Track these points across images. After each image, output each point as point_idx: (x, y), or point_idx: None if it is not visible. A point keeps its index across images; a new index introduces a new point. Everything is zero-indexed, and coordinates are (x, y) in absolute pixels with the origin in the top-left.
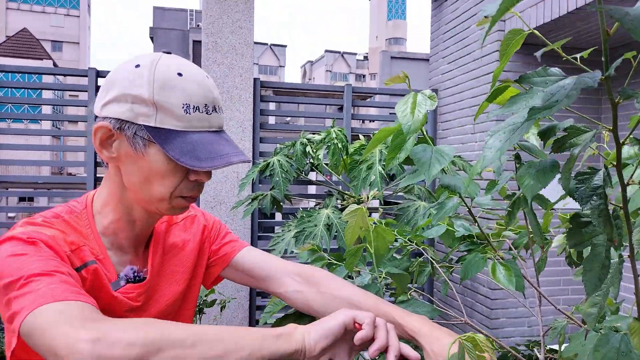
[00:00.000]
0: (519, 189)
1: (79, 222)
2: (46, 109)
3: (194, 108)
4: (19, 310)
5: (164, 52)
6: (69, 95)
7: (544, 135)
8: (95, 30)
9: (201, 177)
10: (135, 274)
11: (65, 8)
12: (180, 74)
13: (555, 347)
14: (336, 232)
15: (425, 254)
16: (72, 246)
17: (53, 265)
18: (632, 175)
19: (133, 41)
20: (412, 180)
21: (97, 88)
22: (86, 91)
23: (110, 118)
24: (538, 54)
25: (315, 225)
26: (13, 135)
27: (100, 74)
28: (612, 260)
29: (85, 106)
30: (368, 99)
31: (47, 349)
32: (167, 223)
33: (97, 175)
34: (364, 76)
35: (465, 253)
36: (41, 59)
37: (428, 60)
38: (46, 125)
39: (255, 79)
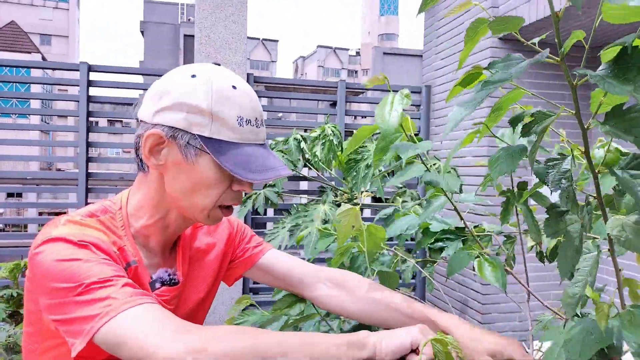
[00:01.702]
0: (512, 186)
1: (114, 223)
2: (35, 104)
3: (246, 121)
4: (87, 317)
5: (214, 63)
6: (58, 89)
7: (513, 122)
8: (85, 23)
9: (245, 188)
10: (170, 277)
11: (54, 1)
12: (234, 87)
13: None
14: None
15: (400, 254)
16: (116, 246)
17: (111, 270)
18: (602, 162)
19: (124, 34)
20: (403, 178)
21: (89, 82)
22: (77, 85)
23: (164, 126)
24: (535, 40)
25: (312, 220)
26: (1, 130)
27: (92, 68)
28: (591, 253)
29: (77, 101)
30: (361, 95)
31: (137, 358)
32: (193, 226)
33: (89, 171)
34: (356, 72)
35: (440, 244)
36: (29, 53)
37: (420, 56)
38: (35, 119)
39: (248, 74)
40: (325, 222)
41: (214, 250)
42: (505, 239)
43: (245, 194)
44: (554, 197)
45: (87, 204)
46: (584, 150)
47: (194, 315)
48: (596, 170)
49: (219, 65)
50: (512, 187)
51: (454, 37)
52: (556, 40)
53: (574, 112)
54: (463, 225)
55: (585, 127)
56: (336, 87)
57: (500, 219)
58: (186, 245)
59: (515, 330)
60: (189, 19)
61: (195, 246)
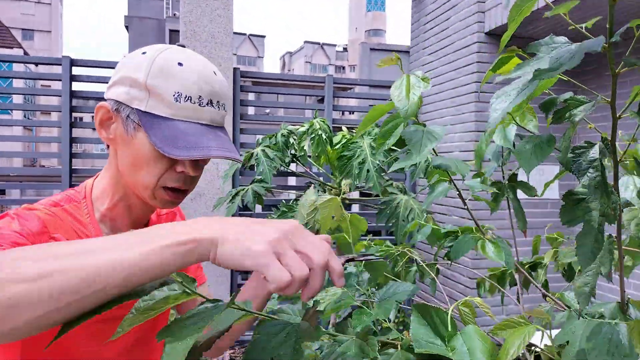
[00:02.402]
0: (503, 178)
1: (78, 211)
2: (17, 99)
3: (185, 97)
4: None
5: (179, 44)
6: (41, 85)
7: (545, 107)
8: (69, 18)
9: (187, 170)
10: None
11: None
12: (180, 64)
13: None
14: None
15: (411, 254)
16: (79, 235)
17: (13, 238)
18: (625, 152)
19: (108, 30)
20: (404, 163)
21: (72, 77)
22: (60, 80)
23: (111, 100)
24: (548, 14)
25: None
26: None
27: (74, 63)
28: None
29: (59, 95)
30: (349, 90)
31: None
32: (156, 213)
33: (73, 167)
34: (343, 68)
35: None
36: (11, 48)
37: (408, 52)
38: (17, 115)
39: (235, 69)
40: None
41: None
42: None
43: (236, 193)
44: (555, 192)
45: None
46: (610, 138)
47: None
48: (618, 159)
49: (184, 47)
50: (503, 179)
51: (441, 33)
52: (608, 26)
53: (609, 100)
54: (471, 220)
55: (618, 115)
56: (324, 82)
57: (490, 207)
58: None
59: None
60: (174, 14)
61: None
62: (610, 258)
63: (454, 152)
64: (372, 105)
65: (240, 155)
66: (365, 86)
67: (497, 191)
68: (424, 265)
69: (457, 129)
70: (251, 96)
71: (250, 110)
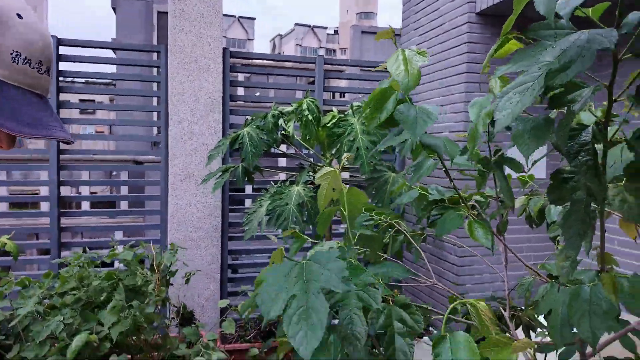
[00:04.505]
0: (490, 155)
1: None
2: None
3: (25, 60)
4: None
5: None
6: None
7: (543, 91)
8: (53, 2)
9: (1, 145)
10: None
11: None
12: (20, 16)
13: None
14: (307, 212)
15: (398, 227)
16: None
17: None
18: (615, 132)
19: (94, 10)
20: (394, 142)
21: (58, 56)
22: None
23: None
24: None
25: (287, 204)
26: None
27: (61, 42)
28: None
29: None
30: (341, 72)
31: None
32: None
33: (61, 148)
34: (334, 51)
35: (438, 216)
36: None
37: (399, 35)
38: None
39: (224, 49)
40: (300, 205)
41: None
42: (501, 203)
43: (226, 169)
44: (542, 171)
45: (59, 182)
46: (604, 120)
47: None
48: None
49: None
50: (490, 155)
51: (432, 13)
52: (617, 12)
53: (607, 84)
54: (454, 190)
55: (614, 99)
56: (314, 62)
57: (476, 185)
58: None
59: (488, 300)
60: None
61: None
62: (592, 233)
63: (443, 133)
64: (363, 87)
65: (228, 135)
66: (356, 67)
67: (483, 168)
68: (409, 236)
69: (447, 110)
70: (241, 77)
71: (241, 92)
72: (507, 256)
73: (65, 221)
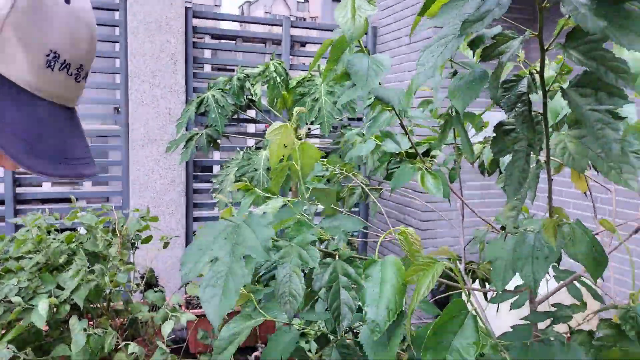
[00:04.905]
0: (451, 110)
1: None
2: None
3: (62, 65)
4: None
5: None
6: None
7: (473, 44)
8: None
9: (5, 165)
10: None
11: None
12: (67, 1)
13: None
14: None
15: (355, 179)
16: None
17: None
18: (553, 82)
19: None
20: (351, 95)
21: None
22: None
23: None
24: None
25: (256, 170)
26: None
27: None
28: (531, 166)
29: None
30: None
31: None
32: None
33: None
34: (304, 19)
35: (395, 169)
36: None
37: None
38: None
39: (187, 8)
40: (269, 170)
41: None
42: (455, 150)
43: (190, 137)
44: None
45: None
46: (539, 70)
47: None
48: (547, 89)
49: None
50: (451, 111)
51: None
52: None
53: (536, 33)
54: (410, 145)
55: (545, 48)
56: (281, 25)
57: (437, 139)
58: None
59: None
60: None
61: None
62: (536, 182)
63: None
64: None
65: (192, 100)
66: (326, 32)
67: (442, 127)
68: (366, 188)
69: (413, 58)
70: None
71: (207, 54)
72: (463, 212)
73: (21, 190)
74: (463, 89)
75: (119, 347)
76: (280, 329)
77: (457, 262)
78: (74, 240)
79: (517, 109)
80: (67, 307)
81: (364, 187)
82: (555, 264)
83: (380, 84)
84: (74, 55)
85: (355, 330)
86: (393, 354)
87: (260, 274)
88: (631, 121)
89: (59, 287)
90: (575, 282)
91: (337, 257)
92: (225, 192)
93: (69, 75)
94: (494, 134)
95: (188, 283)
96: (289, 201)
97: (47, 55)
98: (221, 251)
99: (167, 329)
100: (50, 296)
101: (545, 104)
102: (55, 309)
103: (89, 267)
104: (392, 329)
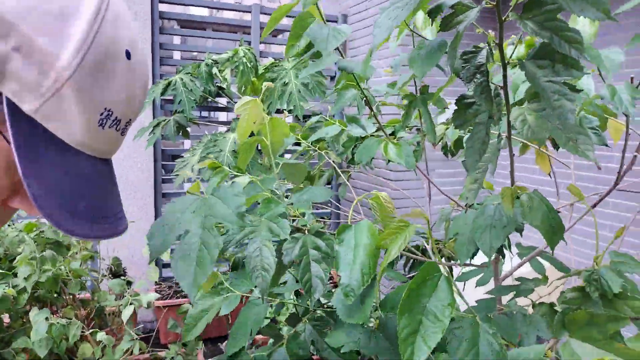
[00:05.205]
0: (416, 91)
1: None
2: None
3: (114, 121)
4: None
5: None
6: None
7: (432, 13)
8: None
9: (26, 208)
10: None
11: None
12: (129, 55)
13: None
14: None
15: (327, 158)
16: None
17: None
18: (512, 54)
19: None
20: (316, 68)
21: None
22: None
23: None
24: None
25: (221, 151)
26: None
27: None
28: (491, 141)
29: None
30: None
31: None
32: None
33: None
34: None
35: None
36: None
37: None
38: None
39: None
40: (235, 153)
41: None
42: (417, 131)
43: (157, 124)
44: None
45: None
46: (498, 41)
47: None
48: (506, 62)
49: None
50: (416, 91)
51: None
52: None
53: (494, 3)
54: (377, 127)
55: (503, 18)
56: (250, 12)
57: (402, 119)
58: None
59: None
60: None
61: None
62: (497, 155)
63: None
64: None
65: (158, 82)
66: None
67: (406, 107)
68: (336, 167)
69: (383, 46)
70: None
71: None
72: (430, 191)
73: None
74: (422, 57)
75: (85, 337)
76: (250, 302)
77: (425, 242)
78: (34, 229)
79: (475, 80)
80: (26, 297)
81: (336, 167)
82: (521, 242)
83: (343, 56)
84: (126, 111)
85: (325, 305)
86: (366, 316)
87: (229, 249)
88: (590, 92)
89: (16, 276)
90: (538, 258)
91: (306, 232)
92: (183, 175)
93: (117, 131)
94: (456, 107)
95: (157, 262)
96: (257, 178)
97: (101, 115)
98: (191, 224)
99: (127, 312)
100: (8, 287)
101: (505, 77)
102: (13, 299)
103: (48, 257)
104: (365, 292)
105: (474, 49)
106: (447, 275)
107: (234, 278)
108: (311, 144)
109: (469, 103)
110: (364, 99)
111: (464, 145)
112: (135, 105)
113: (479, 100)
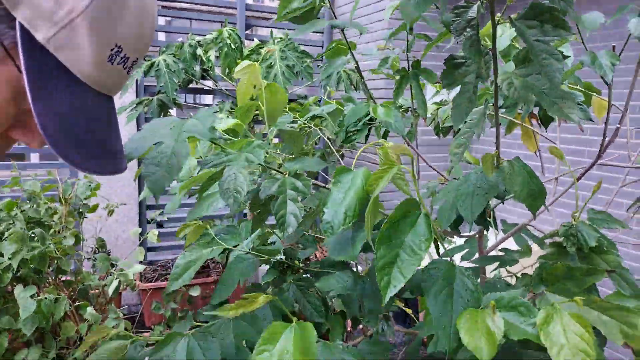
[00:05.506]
0: (408, 66)
1: None
2: None
3: (122, 58)
4: None
5: None
6: None
7: None
8: None
9: (30, 142)
10: None
11: None
12: None
13: None
14: None
15: (322, 135)
16: None
17: None
18: (503, 12)
19: None
20: (306, 30)
21: None
22: None
23: None
24: None
25: None
26: None
27: None
28: (478, 107)
29: None
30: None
31: None
32: None
33: None
34: (262, 2)
35: (354, 132)
36: None
37: None
38: None
39: None
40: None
41: None
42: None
43: (140, 102)
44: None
45: None
46: None
47: None
48: (496, 20)
49: None
50: (408, 66)
51: None
52: None
53: None
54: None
55: None
56: (235, 8)
57: (393, 94)
58: None
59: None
60: None
61: None
62: (484, 120)
63: (368, 44)
64: (290, 29)
65: (141, 63)
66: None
67: (398, 82)
68: (330, 144)
69: (373, 29)
70: (161, 21)
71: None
72: (418, 166)
73: None
74: (413, 4)
75: (68, 315)
76: (238, 257)
77: (412, 161)
78: (15, 207)
79: (465, 34)
80: (10, 275)
81: (329, 142)
82: (505, 219)
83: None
84: (135, 49)
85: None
86: (354, 256)
87: (204, 169)
88: (569, 62)
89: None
90: (522, 234)
91: (286, 175)
92: None
93: (124, 68)
94: (445, 67)
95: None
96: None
97: (112, 50)
98: (166, 138)
99: (113, 286)
100: None
101: (494, 34)
102: None
103: (32, 235)
104: (356, 234)
105: (465, 4)
106: (426, 212)
107: (223, 233)
108: (307, 122)
109: (457, 63)
110: (353, 72)
111: (452, 104)
112: (144, 43)
113: (468, 53)
